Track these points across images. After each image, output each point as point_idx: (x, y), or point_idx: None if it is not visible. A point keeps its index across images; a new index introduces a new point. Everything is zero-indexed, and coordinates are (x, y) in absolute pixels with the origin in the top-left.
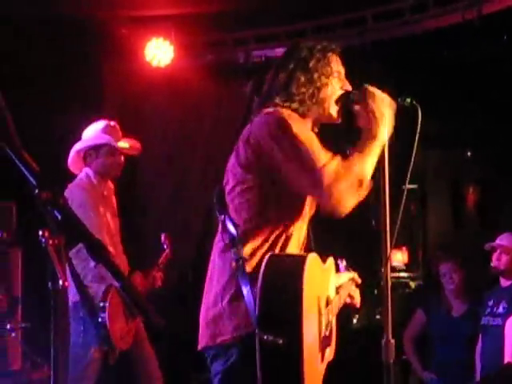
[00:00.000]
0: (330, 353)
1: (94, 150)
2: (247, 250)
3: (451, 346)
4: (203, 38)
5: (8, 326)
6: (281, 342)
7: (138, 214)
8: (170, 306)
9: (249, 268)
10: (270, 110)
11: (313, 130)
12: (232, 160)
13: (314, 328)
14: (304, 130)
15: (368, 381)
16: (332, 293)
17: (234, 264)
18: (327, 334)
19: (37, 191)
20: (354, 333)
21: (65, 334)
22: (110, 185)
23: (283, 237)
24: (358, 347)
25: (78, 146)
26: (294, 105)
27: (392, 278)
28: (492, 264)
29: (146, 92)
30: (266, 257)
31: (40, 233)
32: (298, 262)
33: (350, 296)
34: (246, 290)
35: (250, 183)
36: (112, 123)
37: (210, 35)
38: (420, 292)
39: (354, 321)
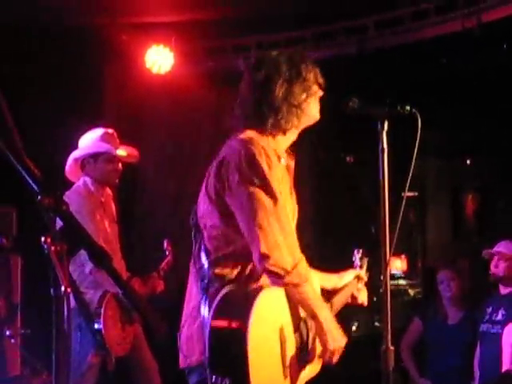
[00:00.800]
0: (311, 369)
1: (93, 157)
2: (215, 278)
3: (447, 353)
4: (203, 45)
5: (7, 333)
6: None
7: (138, 220)
8: (170, 312)
9: (213, 296)
10: (245, 136)
11: (298, 136)
12: (205, 181)
13: (272, 362)
14: (274, 176)
15: None
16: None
17: (200, 295)
18: (303, 354)
19: (39, 197)
20: (353, 340)
21: (66, 339)
22: (109, 191)
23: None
24: (357, 355)
25: (76, 154)
26: (291, 117)
27: (391, 285)
28: (491, 271)
29: (145, 99)
30: (219, 296)
31: (42, 239)
32: (247, 302)
33: (353, 296)
34: (204, 321)
35: (216, 214)
36: (110, 131)
37: (210, 42)
38: (418, 299)
39: (354, 328)
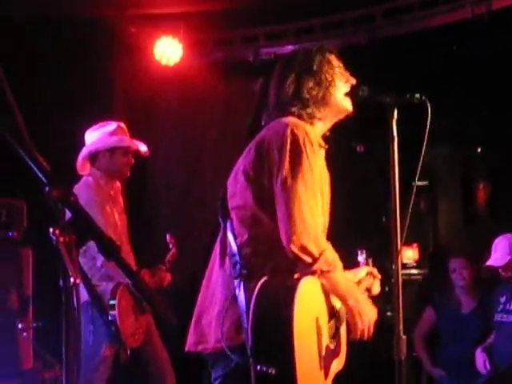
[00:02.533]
0: (337, 364)
1: (110, 151)
2: (247, 260)
3: (460, 342)
4: (212, 36)
5: (19, 326)
6: (273, 372)
7: (148, 212)
8: (180, 304)
9: (248, 281)
10: (289, 120)
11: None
12: (240, 162)
13: (311, 352)
14: (314, 163)
15: (380, 378)
16: (338, 302)
17: (233, 278)
18: (332, 346)
19: (47, 189)
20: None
21: (76, 331)
22: (118, 184)
23: None
24: (370, 344)
25: (91, 147)
26: (309, 110)
27: (403, 274)
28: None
29: (155, 90)
30: (258, 284)
31: (50, 230)
32: (289, 290)
33: (367, 289)
34: (242, 308)
35: (251, 196)
36: (122, 124)
37: (219, 33)
38: (430, 289)
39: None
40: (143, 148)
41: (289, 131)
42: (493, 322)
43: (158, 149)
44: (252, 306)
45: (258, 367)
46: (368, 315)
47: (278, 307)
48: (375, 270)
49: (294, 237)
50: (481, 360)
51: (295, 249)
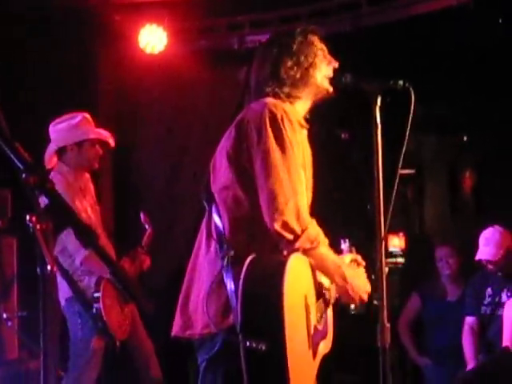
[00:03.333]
0: (325, 346)
1: (78, 145)
2: (232, 241)
3: (446, 330)
4: (197, 24)
5: (4, 315)
6: (263, 348)
7: (132, 200)
8: (166, 293)
9: (235, 261)
10: (268, 100)
11: (310, 109)
12: (222, 144)
13: (300, 330)
14: (294, 140)
15: (365, 366)
16: (326, 281)
17: (219, 260)
18: (320, 327)
19: (24, 175)
20: (351, 318)
21: (54, 317)
22: (87, 175)
23: None
24: (356, 333)
25: (58, 142)
26: (286, 89)
27: (389, 263)
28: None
29: (140, 79)
30: (247, 260)
31: (27, 217)
32: (279, 266)
33: None
34: (229, 288)
35: (232, 176)
36: (86, 115)
37: (204, 21)
38: (416, 277)
39: (352, 306)
40: (109, 139)
41: (267, 110)
42: (481, 315)
43: (143, 136)
44: (241, 281)
45: (248, 344)
46: (360, 288)
47: (268, 282)
48: (359, 257)
49: (275, 215)
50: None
51: (277, 226)
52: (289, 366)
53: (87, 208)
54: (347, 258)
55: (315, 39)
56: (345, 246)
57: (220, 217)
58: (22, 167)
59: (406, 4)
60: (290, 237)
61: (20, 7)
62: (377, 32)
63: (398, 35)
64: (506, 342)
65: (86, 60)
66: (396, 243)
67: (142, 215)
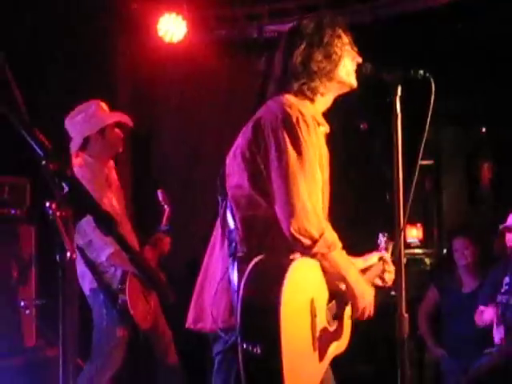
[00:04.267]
0: (337, 347)
1: (100, 132)
2: (243, 241)
3: (461, 322)
4: (216, 13)
5: (22, 304)
6: (259, 351)
7: (151, 189)
8: (184, 282)
9: (244, 261)
10: (284, 99)
11: (332, 102)
12: (239, 140)
13: (302, 334)
14: (309, 142)
15: (384, 357)
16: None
17: (228, 260)
18: (332, 329)
19: (44, 162)
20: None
21: (73, 304)
22: (111, 163)
23: None
24: (374, 323)
25: (80, 134)
26: (314, 84)
27: (407, 254)
28: (508, 244)
29: (159, 68)
30: (252, 262)
31: (47, 204)
32: (280, 270)
33: (381, 278)
34: (233, 288)
35: (247, 176)
36: (99, 102)
37: (223, 10)
38: (435, 268)
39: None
40: (128, 120)
41: (283, 112)
42: (498, 304)
43: (163, 125)
44: (242, 284)
45: (245, 345)
46: (366, 297)
47: (267, 287)
48: (386, 255)
49: (292, 219)
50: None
51: (294, 231)
52: (284, 370)
53: (112, 198)
54: (375, 256)
55: (342, 32)
56: (382, 240)
57: (233, 213)
58: (42, 154)
59: None
60: (308, 242)
61: None
62: (395, 22)
63: (416, 26)
64: None
65: (105, 48)
66: (414, 234)
67: (159, 193)
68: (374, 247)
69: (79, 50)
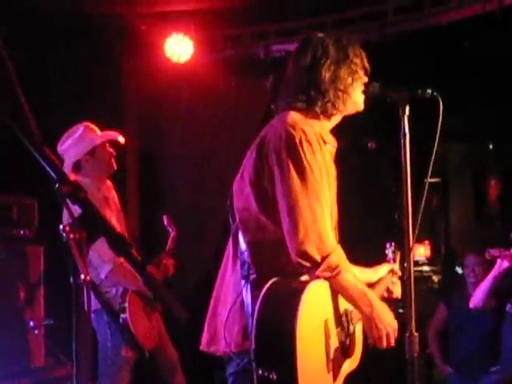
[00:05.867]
0: (350, 364)
1: (90, 154)
2: (255, 264)
3: (468, 339)
4: (223, 33)
5: (31, 324)
6: (275, 377)
7: (158, 210)
8: (192, 302)
9: (257, 285)
10: (289, 118)
11: (340, 121)
12: (245, 161)
13: (317, 357)
14: (313, 162)
15: (392, 375)
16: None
17: (241, 282)
18: (344, 347)
19: (57, 185)
20: None
21: (86, 327)
22: (108, 184)
23: None
24: None
25: (72, 159)
26: (324, 104)
27: (415, 271)
28: None
29: (166, 88)
30: (266, 286)
31: (61, 227)
32: (294, 295)
33: (388, 290)
34: (247, 311)
35: (254, 199)
36: (87, 123)
37: (230, 30)
38: (443, 285)
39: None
40: (118, 137)
41: (286, 133)
42: (506, 312)
43: (169, 145)
44: (256, 309)
45: (260, 372)
46: (386, 321)
47: (282, 312)
48: (396, 267)
49: (295, 244)
50: None
51: (296, 255)
52: None
53: (112, 218)
54: (385, 268)
55: (350, 45)
56: (389, 250)
57: (244, 235)
58: (55, 177)
59: (433, 13)
60: (310, 265)
61: (48, 13)
62: (403, 41)
63: (424, 44)
64: None
65: (113, 69)
66: (421, 252)
67: (164, 218)
68: (382, 261)
69: (86, 70)
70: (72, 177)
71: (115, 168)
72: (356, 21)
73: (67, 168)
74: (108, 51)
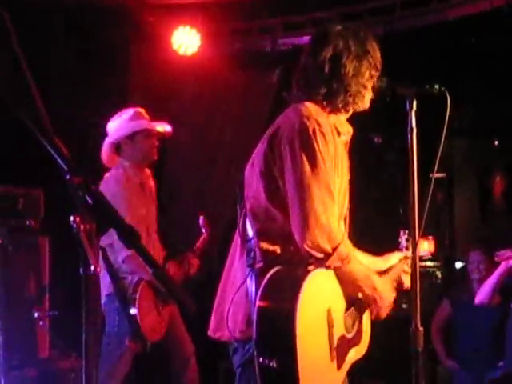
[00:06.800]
0: (356, 352)
1: (130, 138)
2: (261, 252)
3: (474, 335)
4: (230, 26)
5: (36, 314)
6: (275, 366)
7: (164, 202)
8: (198, 293)
9: (261, 272)
10: (303, 108)
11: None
12: (257, 150)
13: (319, 345)
14: (325, 153)
15: (395, 370)
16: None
17: (246, 270)
18: (350, 336)
19: (68, 176)
20: (379, 323)
21: (96, 318)
22: (147, 172)
23: None
24: (385, 337)
25: (112, 138)
26: (359, 96)
27: (419, 267)
28: None
29: (172, 80)
30: (268, 274)
31: (71, 218)
32: (295, 283)
33: (399, 282)
34: (251, 299)
35: (263, 188)
36: (140, 109)
37: (237, 23)
38: (447, 281)
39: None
40: (165, 128)
41: (300, 122)
42: (511, 309)
43: (176, 138)
44: (258, 297)
45: (261, 360)
46: (385, 298)
47: (282, 300)
48: (409, 254)
49: (306, 234)
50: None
51: (307, 246)
52: (301, 382)
53: (143, 205)
54: (396, 256)
55: (368, 40)
56: (403, 238)
57: (251, 224)
58: (65, 168)
59: (440, 8)
60: (321, 256)
61: (56, 5)
62: (410, 36)
63: (430, 39)
64: None
65: (119, 60)
66: (425, 247)
67: (201, 219)
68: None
69: (93, 61)
70: (110, 157)
71: (154, 159)
72: (363, 15)
73: (105, 147)
74: (115, 42)
